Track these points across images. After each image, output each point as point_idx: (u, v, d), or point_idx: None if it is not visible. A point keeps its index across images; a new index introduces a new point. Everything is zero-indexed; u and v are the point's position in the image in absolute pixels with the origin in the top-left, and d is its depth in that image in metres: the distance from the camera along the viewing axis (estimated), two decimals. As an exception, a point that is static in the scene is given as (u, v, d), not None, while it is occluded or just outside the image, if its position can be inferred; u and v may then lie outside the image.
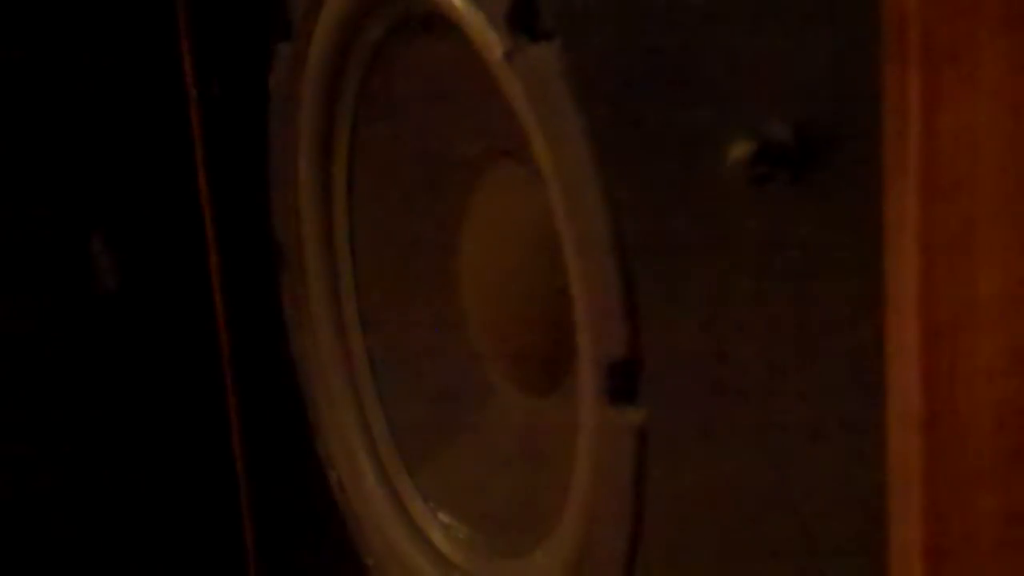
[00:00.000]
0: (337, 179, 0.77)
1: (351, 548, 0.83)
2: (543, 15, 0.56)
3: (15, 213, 0.88)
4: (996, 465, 0.42)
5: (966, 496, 0.42)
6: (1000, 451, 0.42)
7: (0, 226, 0.88)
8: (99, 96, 0.89)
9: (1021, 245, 0.41)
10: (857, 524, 0.45)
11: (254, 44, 0.79)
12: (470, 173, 0.73)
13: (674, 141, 0.49)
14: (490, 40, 0.59)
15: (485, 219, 0.74)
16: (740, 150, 0.43)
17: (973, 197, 0.40)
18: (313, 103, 0.74)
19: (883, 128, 0.40)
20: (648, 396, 0.55)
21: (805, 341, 0.45)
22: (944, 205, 0.40)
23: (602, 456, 0.58)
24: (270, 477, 0.94)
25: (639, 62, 0.51)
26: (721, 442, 0.51)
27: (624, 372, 0.55)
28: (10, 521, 0.92)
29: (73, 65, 0.88)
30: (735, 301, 0.49)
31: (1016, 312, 0.41)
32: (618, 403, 0.56)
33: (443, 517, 0.77)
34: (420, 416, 0.79)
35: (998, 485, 0.42)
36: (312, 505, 0.86)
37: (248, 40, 0.80)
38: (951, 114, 0.40)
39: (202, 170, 0.88)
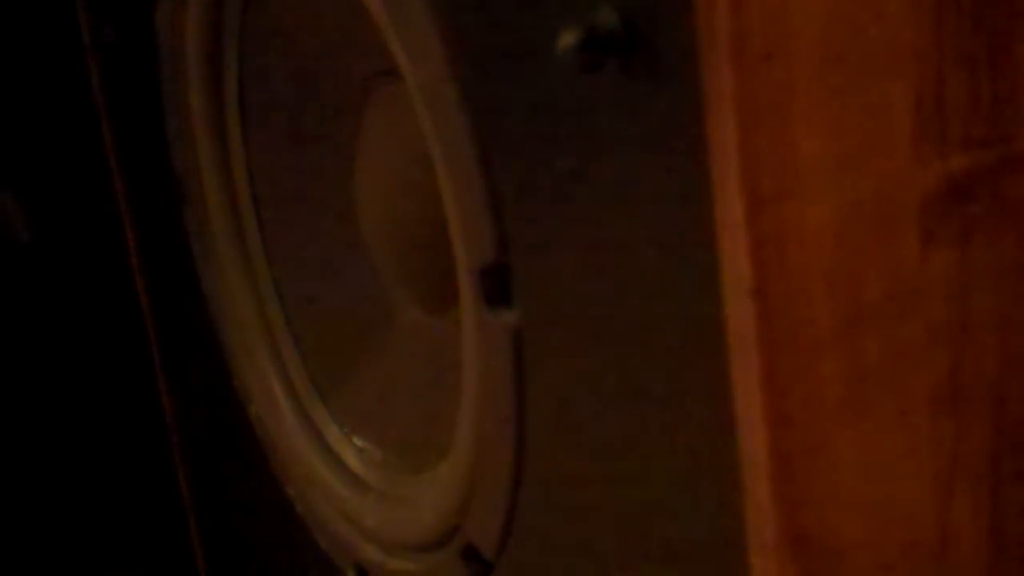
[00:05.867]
0: (230, 112, 0.77)
1: (275, 480, 0.83)
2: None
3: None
4: (832, 330, 0.43)
5: (805, 361, 0.43)
6: (835, 316, 0.43)
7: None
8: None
9: (839, 113, 0.42)
10: (709, 400, 0.46)
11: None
12: (359, 95, 0.73)
13: (519, 38, 0.50)
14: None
15: (376, 140, 0.74)
16: (569, 38, 0.44)
17: (788, 67, 0.41)
18: (198, 37, 0.74)
19: (696, 6, 0.40)
20: (522, 298, 0.56)
21: (646, 222, 0.46)
22: (758, 75, 0.41)
23: (485, 361, 0.59)
24: (197, 417, 0.95)
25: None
26: (591, 334, 0.52)
27: (496, 276, 0.56)
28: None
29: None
30: (590, 194, 0.50)
31: (839, 180, 0.42)
32: (493, 307, 0.57)
33: (357, 441, 0.78)
34: (330, 343, 0.80)
35: (836, 349, 0.43)
36: (238, 440, 0.86)
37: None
38: (759, -13, 0.40)
39: (104, 115, 0.88)
